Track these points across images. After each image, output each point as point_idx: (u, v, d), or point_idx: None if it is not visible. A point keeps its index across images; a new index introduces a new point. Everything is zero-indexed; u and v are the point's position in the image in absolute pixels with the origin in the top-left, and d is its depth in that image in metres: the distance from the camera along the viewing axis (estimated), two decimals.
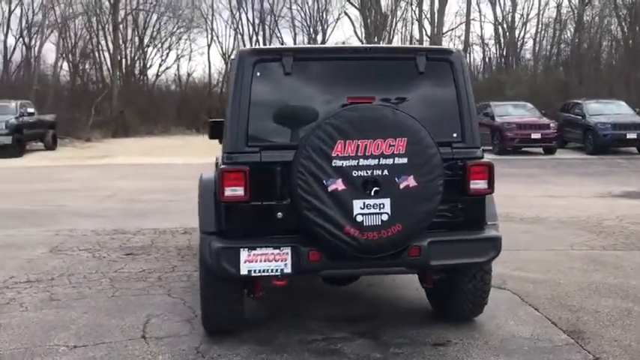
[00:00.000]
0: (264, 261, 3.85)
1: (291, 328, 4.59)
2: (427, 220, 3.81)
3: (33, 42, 33.92)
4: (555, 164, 17.18)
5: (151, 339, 4.43)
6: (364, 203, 3.70)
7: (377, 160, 3.70)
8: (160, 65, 38.09)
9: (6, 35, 33.55)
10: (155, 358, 4.09)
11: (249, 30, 41.04)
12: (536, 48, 36.23)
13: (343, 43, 42.42)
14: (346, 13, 39.82)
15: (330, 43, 36.02)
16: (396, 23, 37.96)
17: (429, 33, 34.68)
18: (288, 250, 3.86)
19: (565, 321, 4.73)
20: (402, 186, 3.73)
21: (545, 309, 5.01)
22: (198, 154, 15.16)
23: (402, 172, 3.72)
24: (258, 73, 3.99)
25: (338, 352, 4.16)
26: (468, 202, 4.13)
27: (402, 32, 38.25)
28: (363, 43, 36.17)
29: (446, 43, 34.54)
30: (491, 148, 18.84)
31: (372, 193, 3.71)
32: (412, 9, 36.85)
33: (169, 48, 38.37)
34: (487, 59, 37.30)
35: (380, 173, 3.71)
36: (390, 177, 3.72)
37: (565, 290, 5.54)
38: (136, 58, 37.61)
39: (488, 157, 4.35)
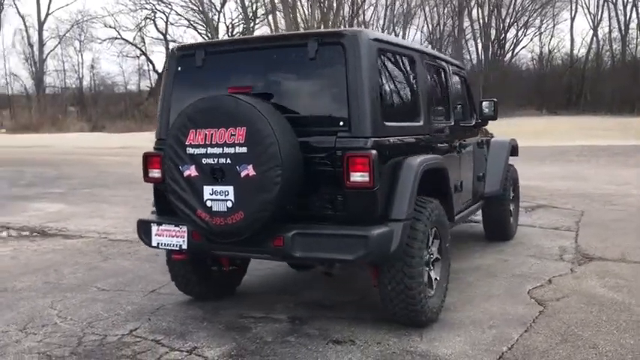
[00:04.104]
0: (168, 236, 4.30)
1: (255, 304, 4.86)
2: (268, 210, 3.72)
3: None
4: None
5: (155, 293, 5.26)
6: (213, 190, 3.85)
7: (221, 148, 3.80)
8: (516, 44, 38.19)
9: None
10: (125, 308, 4.90)
11: None
12: None
13: None
14: None
15: None
16: None
17: None
18: (185, 228, 4.23)
19: (539, 351, 3.85)
20: (242, 175, 3.74)
21: (543, 334, 4.08)
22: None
23: (242, 161, 3.74)
24: (179, 68, 4.41)
25: (243, 329, 4.30)
26: (349, 195, 3.81)
27: None
28: None
29: None
30: None
31: (219, 181, 3.83)
32: None
33: (525, 25, 38.05)
34: None
35: (224, 162, 3.80)
36: (232, 165, 3.77)
37: (618, 318, 4.35)
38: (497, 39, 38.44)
39: None
